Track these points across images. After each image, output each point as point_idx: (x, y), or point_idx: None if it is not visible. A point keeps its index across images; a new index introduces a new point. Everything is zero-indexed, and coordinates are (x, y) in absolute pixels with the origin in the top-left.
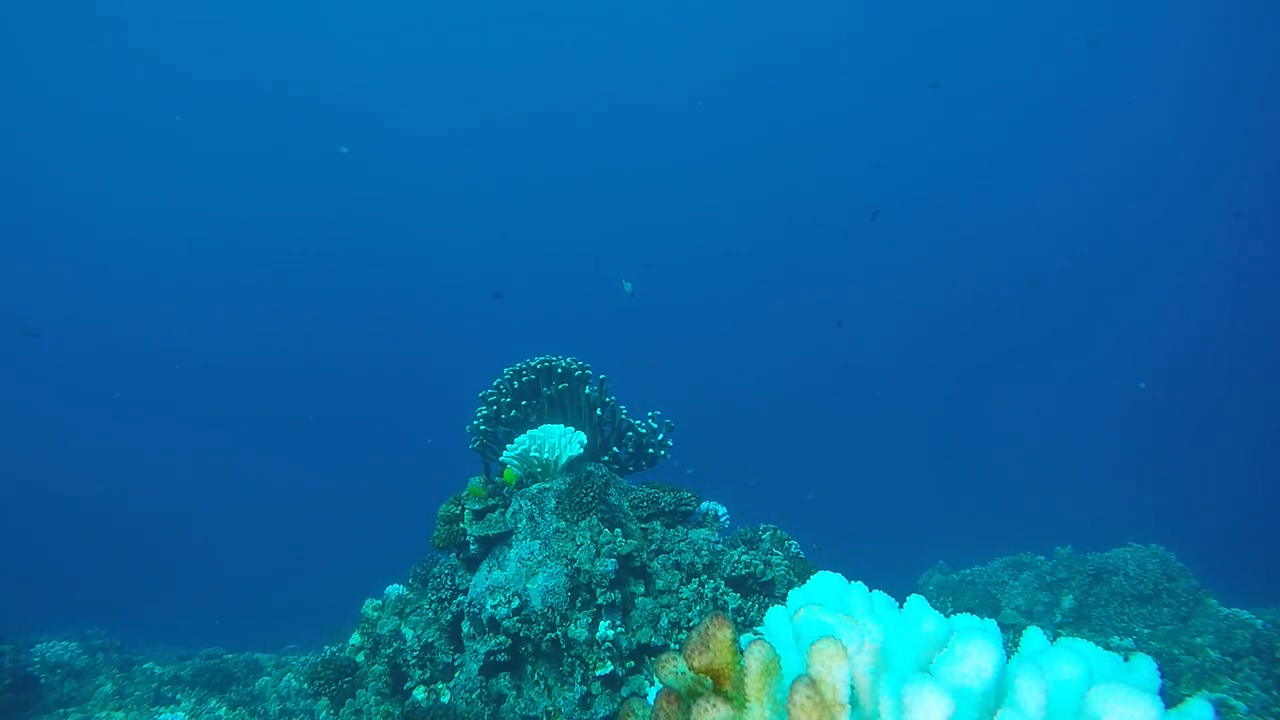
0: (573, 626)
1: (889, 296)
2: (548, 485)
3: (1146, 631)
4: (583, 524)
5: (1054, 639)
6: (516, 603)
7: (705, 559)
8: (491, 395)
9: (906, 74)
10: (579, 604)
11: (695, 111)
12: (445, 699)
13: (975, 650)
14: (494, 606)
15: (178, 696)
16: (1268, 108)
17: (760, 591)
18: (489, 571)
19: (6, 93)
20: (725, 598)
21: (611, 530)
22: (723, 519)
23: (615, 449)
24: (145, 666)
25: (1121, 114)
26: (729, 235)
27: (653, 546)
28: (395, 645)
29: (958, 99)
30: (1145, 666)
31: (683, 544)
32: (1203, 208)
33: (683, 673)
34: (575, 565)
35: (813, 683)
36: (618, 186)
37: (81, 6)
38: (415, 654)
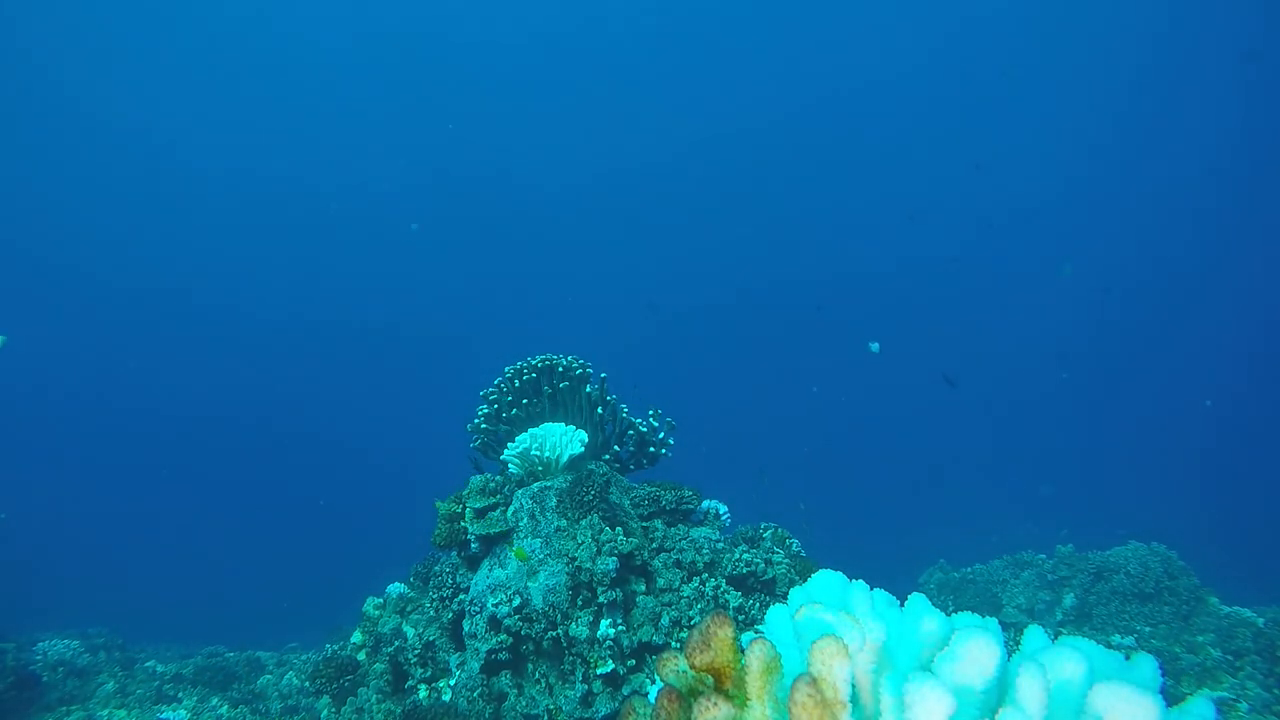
0: (574, 625)
1: (893, 294)
2: (549, 484)
3: (1148, 630)
4: (584, 522)
5: (1055, 637)
6: (518, 601)
7: (706, 557)
8: (493, 394)
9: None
10: (580, 602)
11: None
12: (447, 697)
13: (977, 648)
14: (495, 605)
15: (180, 695)
16: None
17: (761, 590)
18: (490, 570)
19: None
20: (726, 596)
21: (613, 528)
22: (724, 517)
23: (616, 447)
24: (147, 665)
25: (1135, 121)
26: (737, 236)
27: (654, 545)
28: (397, 643)
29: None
30: (1147, 665)
31: (684, 542)
32: (1210, 211)
33: (684, 671)
34: (576, 563)
35: (814, 681)
36: (620, 186)
37: None
38: (417, 652)
